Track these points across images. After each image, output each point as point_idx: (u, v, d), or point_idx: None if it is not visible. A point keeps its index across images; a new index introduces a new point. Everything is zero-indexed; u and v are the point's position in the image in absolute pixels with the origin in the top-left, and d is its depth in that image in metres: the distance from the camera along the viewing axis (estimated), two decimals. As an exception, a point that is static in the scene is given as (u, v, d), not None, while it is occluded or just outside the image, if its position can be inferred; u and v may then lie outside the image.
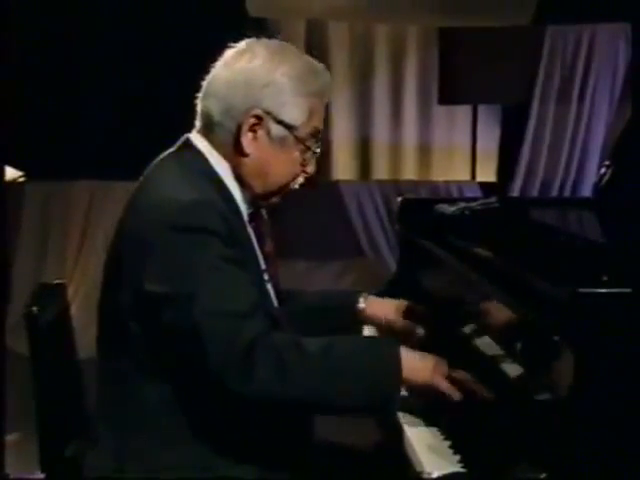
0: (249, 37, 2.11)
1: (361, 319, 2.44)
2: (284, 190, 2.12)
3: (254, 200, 2.11)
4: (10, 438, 3.68)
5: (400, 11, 6.02)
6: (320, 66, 2.10)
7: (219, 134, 2.05)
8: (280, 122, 2.03)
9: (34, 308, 2.06)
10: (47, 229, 5.77)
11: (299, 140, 2.05)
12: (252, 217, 2.12)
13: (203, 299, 1.85)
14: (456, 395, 1.92)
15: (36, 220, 5.76)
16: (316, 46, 6.40)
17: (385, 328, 2.44)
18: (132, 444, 1.96)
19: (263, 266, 2.13)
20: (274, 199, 2.13)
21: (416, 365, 1.94)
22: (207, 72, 2.09)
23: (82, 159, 5.89)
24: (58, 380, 2.11)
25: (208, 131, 2.06)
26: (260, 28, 5.69)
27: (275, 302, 2.17)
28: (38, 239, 5.76)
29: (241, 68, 2.03)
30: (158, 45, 5.94)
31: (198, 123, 2.09)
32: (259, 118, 2.02)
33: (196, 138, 2.08)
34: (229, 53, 2.08)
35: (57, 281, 2.40)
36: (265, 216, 2.21)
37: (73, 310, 2.40)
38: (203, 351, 1.84)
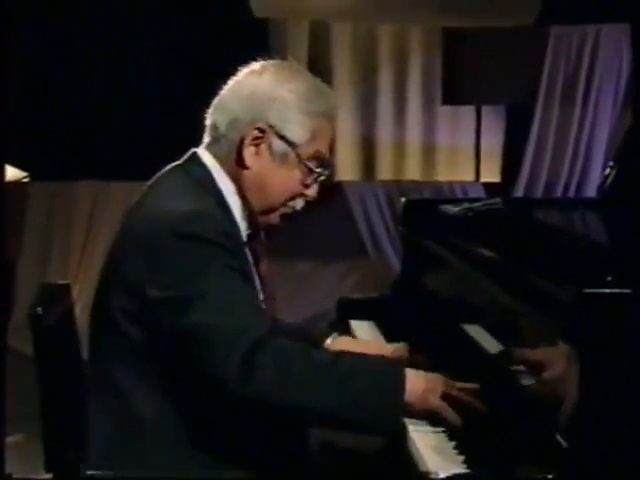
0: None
1: None
2: (282, 208, 2.11)
3: (254, 218, 2.11)
4: (14, 439, 3.68)
5: (404, 11, 6.01)
6: (328, 89, 2.12)
7: (224, 146, 2.06)
8: (282, 137, 2.04)
9: (38, 308, 2.05)
10: (51, 229, 5.77)
11: (300, 159, 2.06)
12: (249, 238, 2.13)
13: (210, 301, 1.86)
14: (458, 422, 1.86)
15: (40, 220, 5.76)
16: (320, 46, 6.40)
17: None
18: (125, 451, 1.96)
19: (258, 287, 2.14)
20: (273, 218, 2.12)
21: (420, 388, 1.89)
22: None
23: (86, 159, 5.89)
24: (62, 380, 2.12)
25: (214, 144, 2.08)
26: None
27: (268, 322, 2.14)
28: (42, 239, 5.76)
29: (249, 82, 2.07)
30: (160, 45, 5.95)
31: (206, 138, 2.11)
32: (262, 131, 2.03)
33: (203, 153, 2.09)
34: (241, 72, 2.11)
35: (61, 281, 2.40)
36: (263, 237, 2.20)
37: (77, 310, 2.40)
38: (205, 352, 1.84)
